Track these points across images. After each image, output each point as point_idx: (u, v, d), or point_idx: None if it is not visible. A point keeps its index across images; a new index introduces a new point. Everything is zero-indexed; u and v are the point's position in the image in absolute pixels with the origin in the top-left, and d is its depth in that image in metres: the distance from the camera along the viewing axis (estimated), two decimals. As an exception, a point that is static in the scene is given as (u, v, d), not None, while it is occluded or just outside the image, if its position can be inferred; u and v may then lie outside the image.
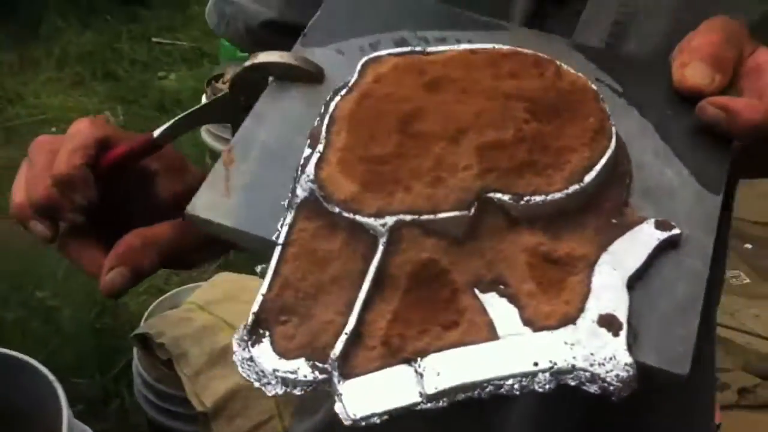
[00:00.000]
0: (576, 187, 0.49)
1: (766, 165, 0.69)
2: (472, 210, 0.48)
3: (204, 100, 2.69)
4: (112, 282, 0.59)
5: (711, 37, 0.56)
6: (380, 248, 0.47)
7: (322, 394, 0.46)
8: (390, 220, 0.48)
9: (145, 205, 0.65)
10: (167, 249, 0.61)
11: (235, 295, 1.86)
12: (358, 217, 0.48)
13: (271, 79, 0.58)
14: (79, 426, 1.48)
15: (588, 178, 0.50)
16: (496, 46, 0.57)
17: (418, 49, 0.57)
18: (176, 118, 0.62)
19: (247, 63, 0.58)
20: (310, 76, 0.57)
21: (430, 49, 0.57)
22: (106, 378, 2.11)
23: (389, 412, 0.44)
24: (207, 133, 2.75)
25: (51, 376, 1.44)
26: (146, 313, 1.90)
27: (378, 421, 0.43)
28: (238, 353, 0.47)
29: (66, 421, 1.36)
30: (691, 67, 0.56)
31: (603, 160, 0.50)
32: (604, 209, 0.51)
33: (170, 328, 1.74)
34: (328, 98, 0.55)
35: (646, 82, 0.58)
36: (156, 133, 0.61)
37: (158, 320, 1.80)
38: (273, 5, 0.85)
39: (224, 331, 1.73)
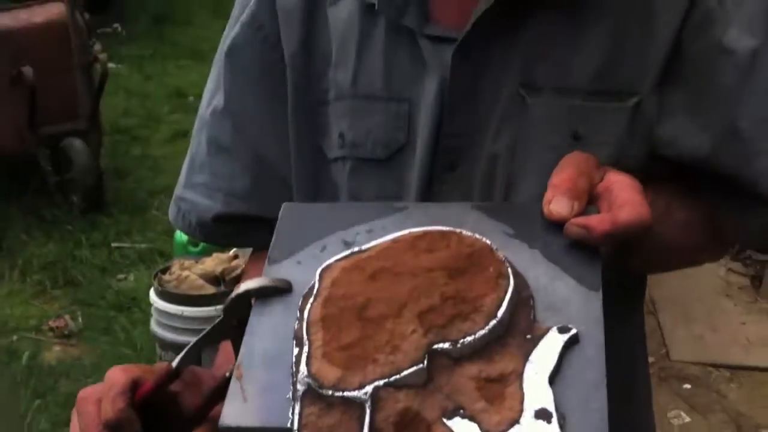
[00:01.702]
0: (494, 322, 0.64)
1: (650, 261, 0.88)
2: (425, 362, 0.63)
3: (152, 293, 2.89)
4: None
5: (567, 172, 0.73)
6: (367, 411, 0.62)
7: None
8: (369, 388, 0.62)
9: (174, 420, 0.79)
10: None
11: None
12: (346, 394, 0.63)
13: (253, 300, 0.73)
14: None
15: (500, 312, 0.65)
16: (412, 230, 0.73)
17: (355, 249, 0.73)
18: (186, 349, 0.77)
19: (234, 294, 0.74)
20: (282, 290, 0.73)
21: (364, 246, 0.73)
22: None
23: None
24: (156, 324, 2.92)
25: None
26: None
27: None
28: None
29: None
30: (555, 202, 0.72)
31: (507, 296, 0.66)
32: (519, 330, 0.66)
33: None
34: (300, 304, 0.70)
35: (530, 220, 0.73)
36: (174, 363, 0.76)
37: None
38: (219, 199, 1.01)
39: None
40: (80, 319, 3.58)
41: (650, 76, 0.85)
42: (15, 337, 3.34)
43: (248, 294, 0.73)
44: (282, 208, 0.81)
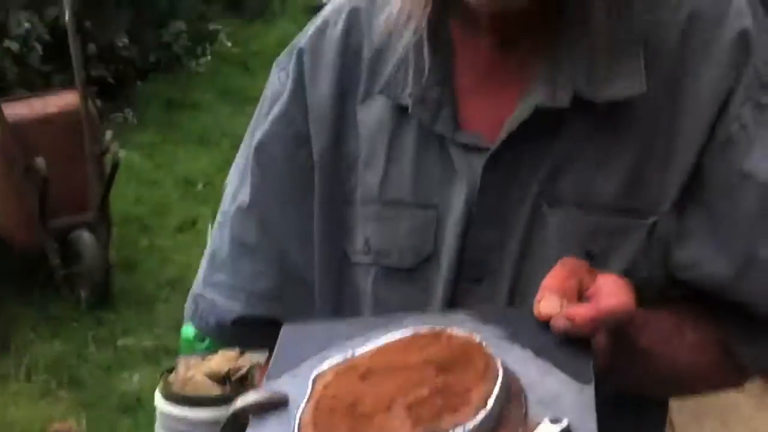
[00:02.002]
0: (483, 413, 0.66)
1: (664, 383, 0.89)
2: None
3: (157, 395, 2.85)
4: None
5: (558, 273, 0.75)
6: None
7: None
8: None
9: None
10: None
11: None
12: None
13: (250, 415, 0.75)
14: None
15: (489, 404, 0.67)
16: (407, 333, 0.76)
17: (348, 356, 0.76)
18: None
19: (230, 411, 0.76)
20: (278, 404, 0.75)
21: (357, 351, 0.76)
22: None
23: None
24: (162, 427, 2.87)
25: None
26: None
27: None
28: None
29: None
30: (545, 300, 0.73)
31: (496, 389, 0.68)
32: (511, 423, 0.67)
33: None
34: (296, 414, 0.72)
35: (522, 323, 0.76)
36: None
37: None
38: (241, 300, 0.99)
39: None
40: (85, 422, 3.53)
41: (670, 196, 0.85)
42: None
43: (246, 410, 0.75)
44: (282, 330, 0.83)
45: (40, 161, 4.23)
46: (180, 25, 10.60)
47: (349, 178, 0.96)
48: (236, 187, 1.02)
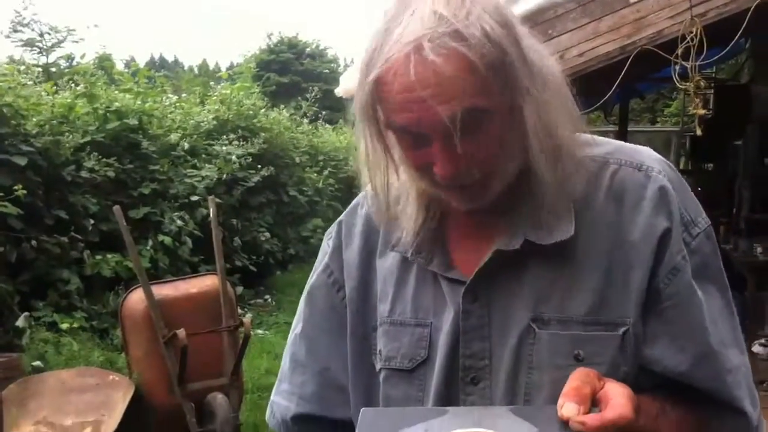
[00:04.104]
0: None
1: None
2: None
3: None
4: None
5: (573, 383, 1.00)
6: None
7: None
8: None
9: None
10: None
11: None
12: None
13: None
14: None
15: None
16: (458, 431, 0.98)
17: None
18: None
19: None
20: None
21: None
22: None
23: None
24: None
25: None
26: None
27: None
28: None
29: None
30: (565, 407, 0.97)
31: None
32: None
33: None
34: None
35: (550, 421, 0.97)
36: None
37: None
38: (294, 401, 1.31)
39: None
40: None
41: (633, 312, 1.11)
42: None
43: None
44: (361, 413, 1.06)
45: (181, 332, 4.71)
46: (317, 222, 11.49)
47: (372, 312, 1.26)
48: (296, 321, 1.38)
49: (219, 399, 4.88)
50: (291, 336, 1.36)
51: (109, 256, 6.95)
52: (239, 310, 5.43)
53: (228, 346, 5.13)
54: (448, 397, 1.16)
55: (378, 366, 1.24)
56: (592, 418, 0.95)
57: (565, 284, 1.12)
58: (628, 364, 1.10)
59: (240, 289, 7.85)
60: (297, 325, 1.35)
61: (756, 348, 6.55)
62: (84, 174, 7.21)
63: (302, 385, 1.31)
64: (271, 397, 1.37)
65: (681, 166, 11.04)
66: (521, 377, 1.12)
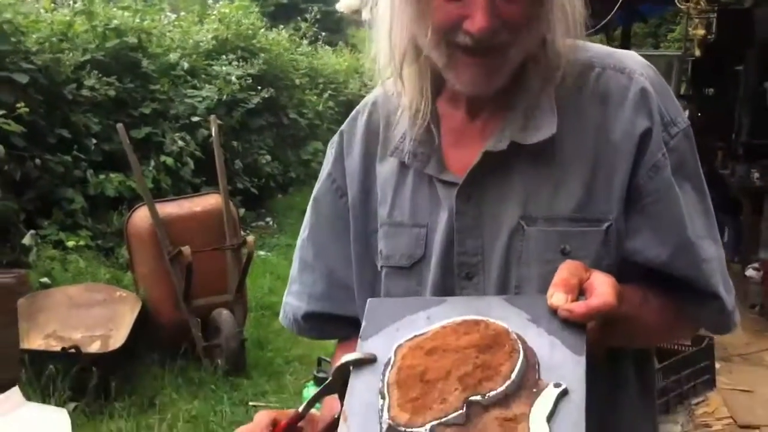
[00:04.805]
0: (508, 382, 0.95)
1: (636, 337, 1.19)
2: (464, 408, 0.94)
3: None
4: None
5: (562, 274, 1.05)
6: None
7: None
8: (428, 426, 0.94)
9: None
10: None
11: None
12: (413, 430, 0.95)
13: (351, 367, 1.06)
14: None
15: (513, 375, 0.96)
16: (456, 318, 1.05)
17: (418, 333, 1.05)
18: (308, 400, 1.10)
19: (338, 363, 1.06)
20: (369, 361, 1.05)
21: (423, 330, 1.05)
22: None
23: None
24: None
25: None
26: None
27: None
28: None
29: None
30: (554, 296, 1.02)
31: (518, 365, 0.97)
32: (528, 385, 0.95)
33: None
34: (382, 370, 1.02)
35: (540, 308, 1.03)
36: (300, 409, 1.10)
37: None
38: (305, 300, 1.40)
39: None
40: (220, 463, 3.95)
41: (616, 208, 1.18)
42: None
43: (348, 364, 1.06)
44: (367, 303, 1.15)
45: (186, 249, 4.81)
46: (317, 145, 11.50)
47: (373, 215, 1.32)
48: (304, 226, 1.45)
49: (224, 315, 5.01)
50: (299, 241, 1.43)
51: (112, 175, 6.99)
52: (242, 232, 5.50)
53: (232, 264, 5.23)
54: (444, 292, 1.22)
55: (379, 265, 1.31)
56: (579, 306, 1.01)
57: (552, 184, 1.18)
58: (612, 257, 1.17)
59: (242, 211, 7.91)
60: (304, 231, 1.42)
61: (749, 272, 6.67)
62: (85, 92, 7.20)
63: (311, 285, 1.39)
64: (283, 299, 1.44)
65: (682, 92, 11.00)
66: (512, 272, 1.19)
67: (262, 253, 7.83)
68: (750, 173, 7.31)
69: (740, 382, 5.13)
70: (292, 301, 1.41)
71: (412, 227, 1.27)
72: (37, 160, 6.38)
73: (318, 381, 3.29)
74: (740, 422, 4.55)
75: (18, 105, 5.96)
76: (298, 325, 1.42)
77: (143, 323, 4.86)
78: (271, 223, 9.45)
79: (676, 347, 3.74)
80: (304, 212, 1.43)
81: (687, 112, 8.07)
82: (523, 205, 1.19)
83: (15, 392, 2.73)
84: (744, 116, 8.41)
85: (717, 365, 4.35)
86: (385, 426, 0.96)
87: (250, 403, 4.55)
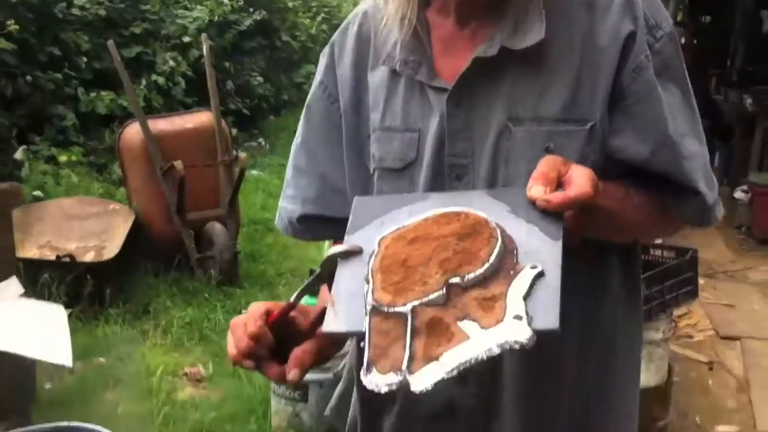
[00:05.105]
0: (486, 265, 0.99)
1: (617, 232, 1.23)
2: (444, 290, 0.98)
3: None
4: (293, 377, 1.11)
5: (541, 168, 1.08)
6: (409, 318, 0.97)
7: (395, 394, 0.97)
8: (410, 306, 0.98)
9: (293, 336, 1.16)
10: (316, 353, 1.14)
11: None
12: (396, 309, 0.99)
13: (338, 259, 1.09)
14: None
15: (491, 259, 0.99)
16: (436, 211, 1.08)
17: (400, 226, 1.09)
18: (298, 290, 1.13)
19: (326, 255, 1.09)
20: (355, 253, 1.09)
21: (405, 223, 1.09)
22: None
23: (435, 383, 0.92)
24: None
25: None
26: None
27: (430, 387, 0.92)
28: (365, 380, 0.96)
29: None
30: (533, 188, 1.05)
31: (495, 250, 1.00)
32: (506, 268, 0.99)
33: None
34: (367, 261, 1.06)
35: (520, 200, 1.06)
36: (292, 299, 1.13)
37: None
38: (299, 204, 1.43)
39: None
40: (211, 367, 4.06)
41: (600, 109, 1.21)
42: (155, 380, 3.82)
43: (335, 256, 1.10)
44: (354, 201, 1.18)
45: (178, 164, 4.84)
46: (310, 68, 11.41)
47: (366, 122, 1.35)
48: (298, 132, 1.47)
49: (217, 228, 5.07)
50: (293, 147, 1.47)
51: (103, 93, 6.98)
52: (234, 151, 5.53)
53: (224, 180, 5.28)
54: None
55: (372, 167, 1.35)
56: (556, 196, 1.04)
57: (540, 86, 1.21)
58: (596, 154, 1.20)
59: (234, 131, 7.90)
60: (298, 137, 1.45)
61: (738, 194, 6.75)
62: (75, 11, 7.14)
63: (305, 189, 1.42)
64: (279, 204, 1.48)
65: (678, 19, 10.91)
66: (500, 171, 1.23)
67: (254, 171, 7.87)
68: (743, 99, 7.34)
69: (724, 297, 5.26)
70: (287, 205, 1.45)
71: (404, 132, 1.30)
72: (28, 77, 6.38)
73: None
74: (722, 334, 4.68)
75: (8, 23, 5.91)
76: (293, 227, 1.45)
77: (137, 235, 4.93)
78: (263, 143, 9.46)
79: (660, 259, 3.79)
80: (295, 134, 1.46)
81: (683, 40, 8.06)
82: (511, 107, 1.22)
83: (13, 282, 2.79)
84: (739, 43, 8.39)
85: (701, 281, 4.42)
86: (369, 307, 1.01)
87: (243, 311, 4.60)
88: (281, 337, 1.14)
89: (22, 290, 2.86)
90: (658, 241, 3.99)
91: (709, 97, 8.00)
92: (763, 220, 6.42)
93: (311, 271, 3.93)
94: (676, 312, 4.37)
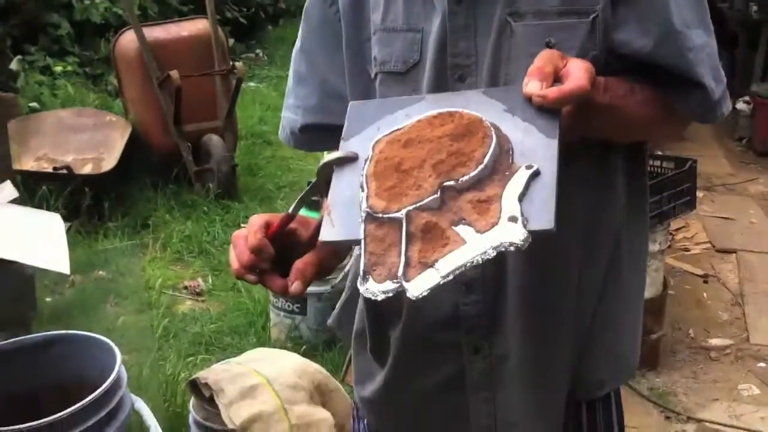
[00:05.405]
0: (481, 167, 0.97)
1: (620, 129, 1.20)
2: (438, 193, 0.97)
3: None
4: (296, 289, 1.11)
5: (537, 63, 1.06)
6: (404, 224, 0.97)
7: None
8: (404, 211, 0.97)
9: (293, 247, 1.15)
10: (317, 264, 1.13)
11: (263, 357, 2.44)
12: (390, 215, 0.98)
13: (334, 166, 1.08)
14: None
15: (485, 160, 0.98)
16: (432, 112, 1.07)
17: (395, 128, 1.07)
18: (295, 202, 1.13)
19: (321, 163, 1.08)
20: (351, 159, 1.08)
21: (399, 125, 1.07)
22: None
23: (431, 289, 0.92)
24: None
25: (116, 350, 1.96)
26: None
27: (427, 293, 0.92)
28: (362, 289, 0.96)
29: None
30: (529, 84, 1.03)
31: (490, 150, 0.98)
32: (501, 170, 0.97)
33: (213, 374, 2.30)
34: (362, 167, 1.05)
35: (516, 98, 1.04)
36: (290, 210, 1.13)
37: (205, 371, 2.37)
38: (300, 113, 1.40)
39: (252, 375, 2.28)
40: (210, 281, 4.10)
41: (602, 0, 1.16)
42: (155, 293, 3.86)
43: (331, 163, 1.09)
44: (349, 106, 1.16)
45: (174, 73, 4.77)
46: (310, -25, 11.13)
47: (366, 24, 1.31)
48: (298, 38, 1.43)
49: (214, 140, 5.04)
50: (293, 53, 1.43)
51: (97, 0, 6.84)
52: (231, 61, 5.44)
53: (221, 90, 5.21)
54: None
55: (373, 72, 1.31)
56: (551, 91, 1.01)
57: None
58: (597, 48, 1.17)
59: (231, 41, 7.78)
60: (297, 43, 1.42)
61: (740, 105, 6.67)
62: None
63: (306, 97, 1.40)
64: (282, 114, 1.46)
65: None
66: (501, 69, 1.20)
67: (252, 84, 7.78)
68: (749, 6, 7.17)
69: (722, 209, 5.27)
70: (289, 115, 1.43)
71: (406, 32, 1.27)
72: (21, -16, 6.23)
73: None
74: (718, 247, 4.71)
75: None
76: (295, 137, 1.44)
77: (134, 147, 4.91)
78: (261, 54, 9.32)
79: (660, 170, 3.78)
80: (293, 44, 1.42)
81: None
82: (511, 2, 1.19)
83: (7, 185, 2.77)
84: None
85: (700, 194, 4.43)
86: (364, 215, 1.00)
87: (242, 224, 4.62)
88: (283, 249, 1.14)
89: (16, 194, 2.83)
90: (658, 152, 3.98)
91: (714, 4, 7.83)
92: (765, 131, 6.38)
93: (309, 184, 3.96)
94: (673, 224, 4.39)
